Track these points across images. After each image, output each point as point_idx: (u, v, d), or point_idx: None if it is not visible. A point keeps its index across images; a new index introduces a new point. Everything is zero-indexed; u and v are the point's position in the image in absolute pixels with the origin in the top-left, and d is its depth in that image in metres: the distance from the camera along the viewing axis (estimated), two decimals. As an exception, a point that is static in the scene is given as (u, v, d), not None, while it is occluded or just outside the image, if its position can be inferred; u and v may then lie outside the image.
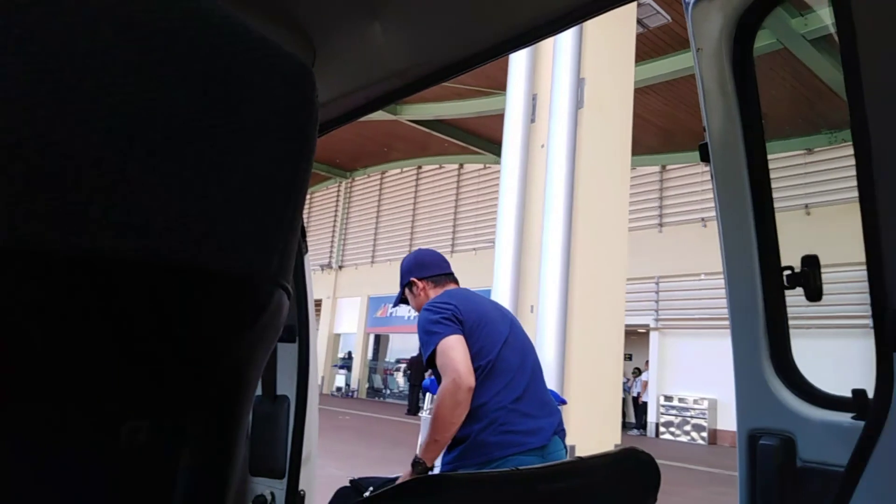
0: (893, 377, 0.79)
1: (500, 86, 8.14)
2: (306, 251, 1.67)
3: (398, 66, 1.26)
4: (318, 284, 21.23)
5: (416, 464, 1.80)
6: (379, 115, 13.61)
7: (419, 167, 20.00)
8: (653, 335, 14.79)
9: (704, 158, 1.21)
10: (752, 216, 1.15)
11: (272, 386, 1.59)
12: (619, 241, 5.67)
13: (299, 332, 1.61)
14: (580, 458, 0.95)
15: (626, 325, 6.01)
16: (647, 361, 15.23)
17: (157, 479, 0.47)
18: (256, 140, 0.46)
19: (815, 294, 1.10)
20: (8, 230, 0.35)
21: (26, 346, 0.39)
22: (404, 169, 20.55)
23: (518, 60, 5.63)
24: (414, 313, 2.12)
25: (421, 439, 5.09)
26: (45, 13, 0.36)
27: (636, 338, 14.98)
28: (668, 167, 14.66)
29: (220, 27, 0.44)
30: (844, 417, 1.01)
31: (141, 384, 0.46)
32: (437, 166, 19.21)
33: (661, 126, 12.28)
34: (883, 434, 0.80)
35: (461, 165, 18.66)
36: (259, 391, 1.61)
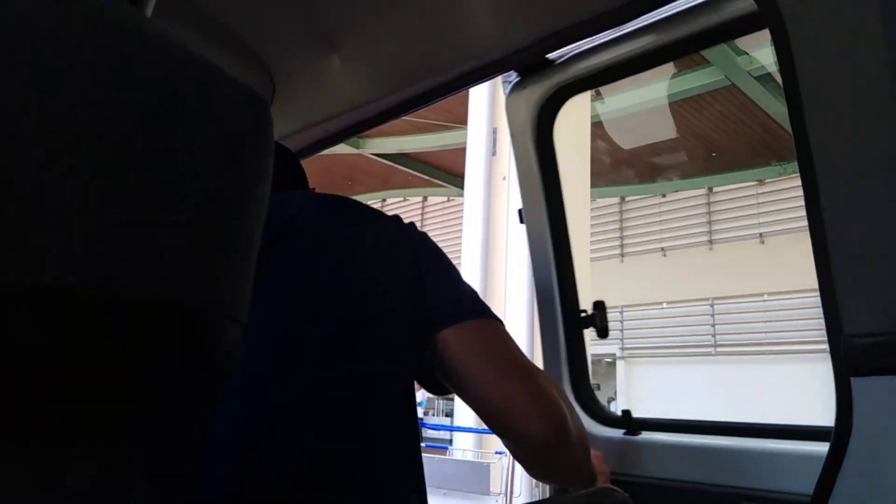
0: (852, 403, 0.81)
1: (461, 120, 8.25)
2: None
3: (357, 99, 1.27)
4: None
5: None
6: (342, 149, 13.62)
7: (384, 200, 20.01)
8: (619, 364, 14.90)
9: (521, 221, 1.43)
10: (555, 268, 1.38)
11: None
12: (582, 270, 5.73)
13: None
14: (551, 497, 0.93)
15: (593, 355, 6.04)
16: (615, 392, 15.33)
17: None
18: (206, 169, 0.45)
19: (602, 332, 1.33)
20: None
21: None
22: (369, 202, 20.54)
23: (478, 95, 5.74)
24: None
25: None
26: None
27: (603, 367, 15.09)
28: (627, 198, 15.01)
29: (170, 53, 0.44)
30: (618, 433, 1.24)
31: (86, 423, 0.43)
32: (402, 199, 19.26)
33: (619, 159, 12.60)
34: (846, 460, 0.81)
35: (425, 198, 18.74)
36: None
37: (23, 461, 0.40)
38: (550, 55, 1.22)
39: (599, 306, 1.32)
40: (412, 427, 0.80)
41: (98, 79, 0.38)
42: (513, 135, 1.36)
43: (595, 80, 1.26)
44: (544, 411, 0.81)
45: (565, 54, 1.22)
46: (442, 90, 1.21)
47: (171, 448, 0.49)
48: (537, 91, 1.28)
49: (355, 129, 1.38)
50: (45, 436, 0.41)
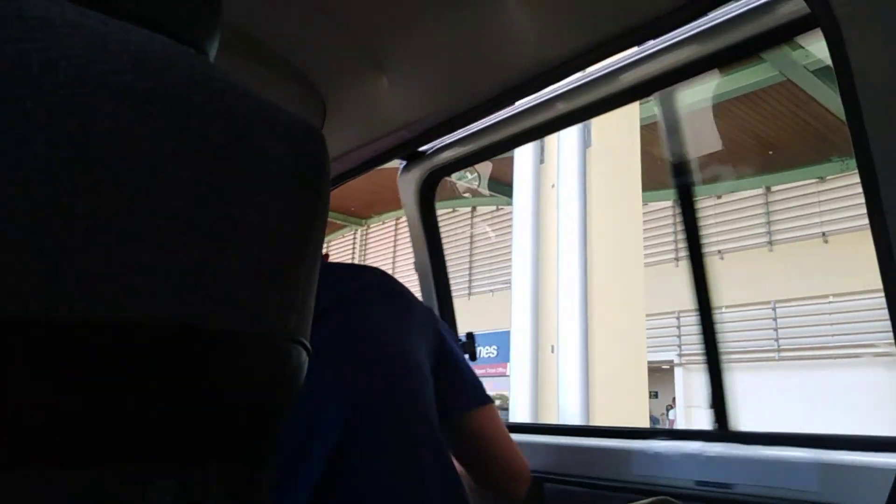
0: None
1: (508, 129, 8.25)
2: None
3: (407, 118, 1.29)
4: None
5: None
6: (391, 163, 13.78)
7: (432, 211, 20.11)
8: (677, 371, 14.49)
9: (416, 270, 1.75)
10: (437, 306, 1.71)
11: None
12: (636, 276, 5.63)
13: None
14: None
15: (650, 362, 5.91)
16: (673, 399, 14.91)
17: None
18: (268, 203, 0.48)
19: (471, 357, 1.58)
20: (14, 299, 0.36)
21: (49, 413, 0.40)
22: (417, 214, 20.68)
23: (524, 104, 5.73)
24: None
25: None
26: (71, 94, 0.39)
27: (660, 374, 14.70)
28: (681, 201, 14.59)
29: (235, 98, 0.47)
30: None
31: (166, 443, 0.46)
32: (451, 209, 19.34)
33: (671, 161, 12.27)
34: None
35: (474, 208, 18.76)
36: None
37: (108, 478, 0.43)
38: (423, 147, 1.58)
39: (469, 336, 1.64)
40: (453, 474, 0.97)
41: (172, 127, 0.42)
42: (404, 205, 1.73)
43: (460, 164, 1.61)
44: (525, 476, 1.14)
45: (435, 146, 1.57)
46: (491, 105, 1.23)
47: (244, 465, 0.52)
48: (417, 173, 1.68)
49: (406, 147, 1.41)
50: (129, 454, 0.45)
